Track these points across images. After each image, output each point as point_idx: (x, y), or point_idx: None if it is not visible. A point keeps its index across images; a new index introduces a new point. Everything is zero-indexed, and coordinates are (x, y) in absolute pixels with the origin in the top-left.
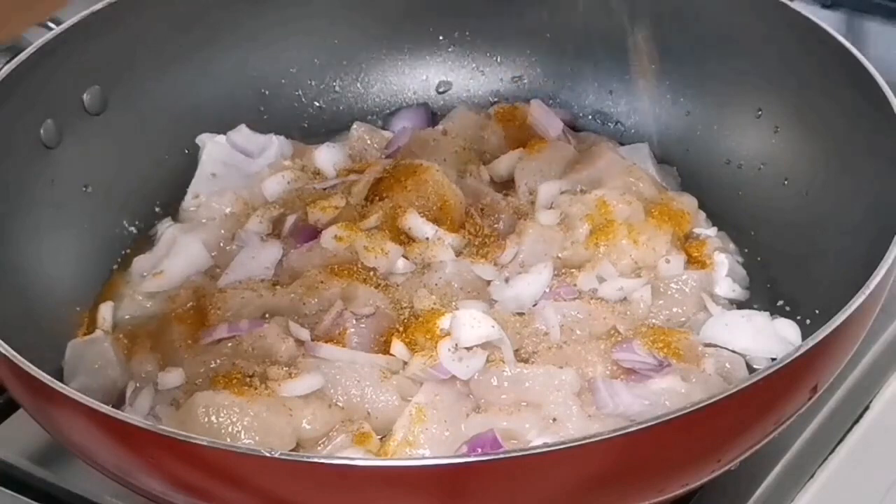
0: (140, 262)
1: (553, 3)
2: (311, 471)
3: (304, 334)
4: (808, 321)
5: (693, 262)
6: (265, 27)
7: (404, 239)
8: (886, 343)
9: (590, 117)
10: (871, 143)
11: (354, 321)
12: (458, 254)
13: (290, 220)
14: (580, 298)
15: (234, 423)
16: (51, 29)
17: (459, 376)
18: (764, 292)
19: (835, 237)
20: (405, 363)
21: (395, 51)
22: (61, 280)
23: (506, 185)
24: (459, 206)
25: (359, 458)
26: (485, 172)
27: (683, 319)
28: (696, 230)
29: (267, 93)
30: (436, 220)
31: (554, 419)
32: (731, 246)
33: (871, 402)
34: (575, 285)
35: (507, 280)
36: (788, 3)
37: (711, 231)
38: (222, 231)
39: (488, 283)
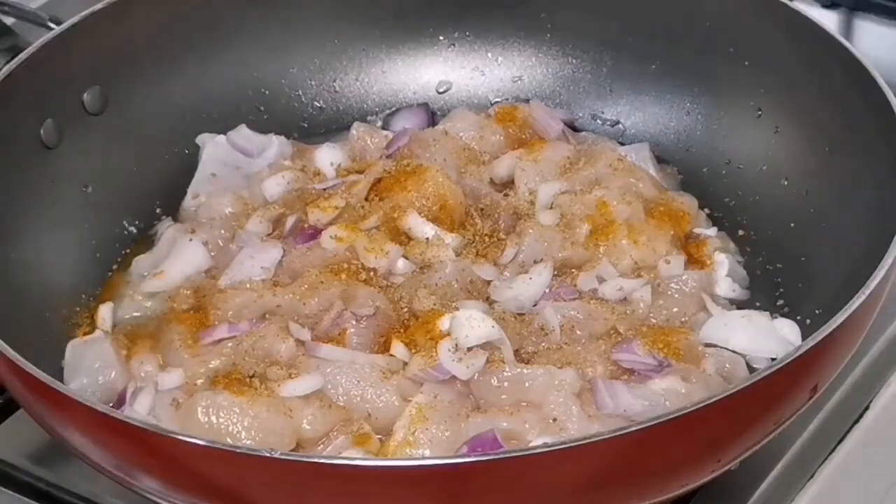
0: (140, 262)
1: (553, 3)
2: (311, 471)
3: (304, 334)
4: (808, 321)
5: (693, 262)
6: (265, 27)
7: (404, 239)
8: (886, 343)
9: (590, 117)
10: (871, 143)
11: (354, 321)
12: (458, 254)
13: (290, 220)
14: (580, 298)
15: (234, 423)
16: (51, 29)
17: (459, 377)
18: (764, 292)
19: (835, 237)
20: (405, 363)
21: (394, 51)
22: (61, 280)
23: (506, 185)
24: (459, 206)
25: (359, 458)
26: (485, 172)
27: (683, 319)
28: (696, 230)
29: (267, 93)
30: (436, 220)
31: (554, 419)
32: (731, 246)
33: (871, 402)
34: (575, 285)
35: (507, 280)
36: (788, 2)
37: (711, 231)
38: (222, 231)
39: (488, 283)
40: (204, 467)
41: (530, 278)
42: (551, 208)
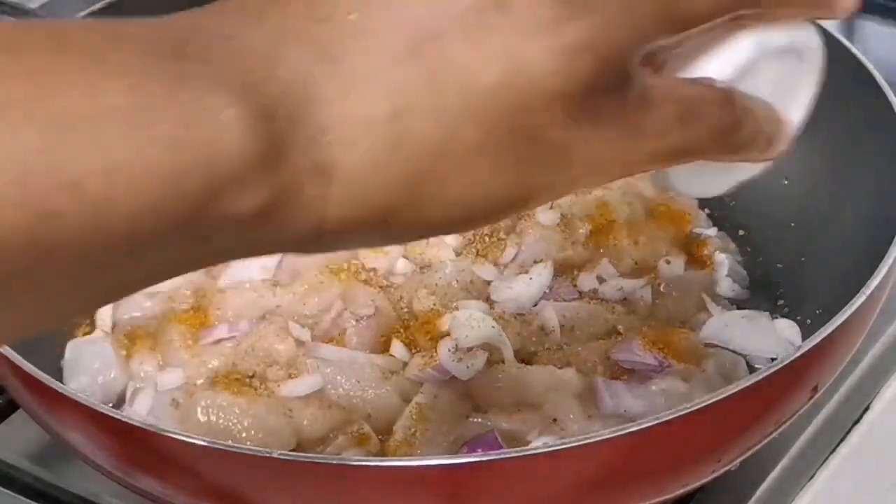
0: None
1: None
2: (311, 471)
3: (304, 334)
4: (808, 321)
5: (693, 262)
6: None
7: None
8: (886, 343)
9: None
10: (872, 143)
11: (354, 321)
12: (458, 254)
13: None
14: (580, 298)
15: (234, 423)
16: None
17: (459, 377)
18: (764, 292)
19: (835, 237)
20: (405, 363)
21: None
22: None
23: None
24: None
25: (359, 458)
26: None
27: (683, 319)
28: (696, 230)
29: None
30: None
31: (554, 419)
32: (731, 246)
33: (871, 402)
34: (575, 285)
35: (507, 280)
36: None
37: (711, 231)
38: None
39: (488, 283)
40: (204, 467)
41: (530, 278)
42: (551, 208)
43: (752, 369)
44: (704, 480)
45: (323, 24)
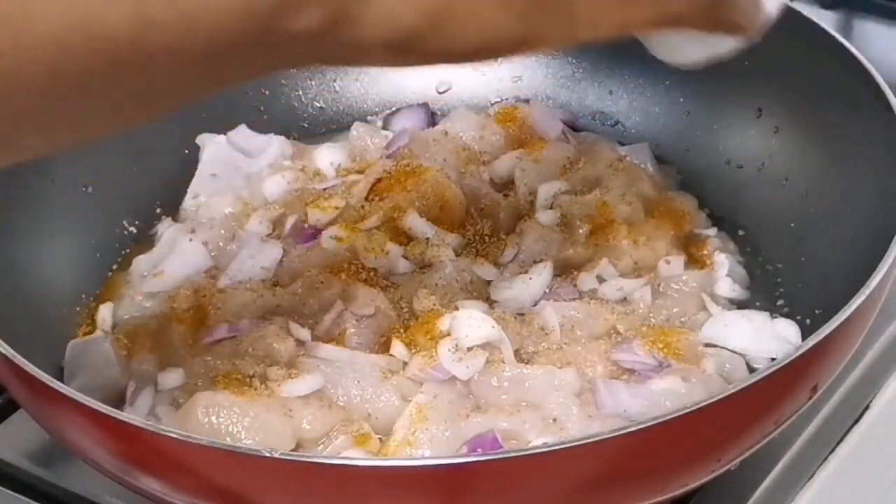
0: (140, 262)
1: None
2: (311, 471)
3: (304, 334)
4: (808, 321)
5: (693, 262)
6: None
7: (404, 239)
8: (886, 343)
9: (590, 117)
10: (872, 143)
11: (354, 321)
12: (458, 254)
13: (291, 220)
14: (580, 298)
15: (234, 423)
16: None
17: (459, 377)
18: (764, 292)
19: (835, 237)
20: (405, 363)
21: None
22: (61, 280)
23: (506, 185)
24: (459, 206)
25: (359, 458)
26: (485, 172)
27: (683, 319)
28: (696, 230)
29: (267, 93)
30: (436, 220)
31: (554, 419)
32: (731, 246)
33: (871, 402)
34: (575, 285)
35: (507, 280)
36: (788, 2)
37: (711, 231)
38: (222, 231)
39: (488, 283)
40: (204, 467)
41: (530, 278)
42: (551, 208)
43: (751, 369)
44: (704, 480)
45: None
